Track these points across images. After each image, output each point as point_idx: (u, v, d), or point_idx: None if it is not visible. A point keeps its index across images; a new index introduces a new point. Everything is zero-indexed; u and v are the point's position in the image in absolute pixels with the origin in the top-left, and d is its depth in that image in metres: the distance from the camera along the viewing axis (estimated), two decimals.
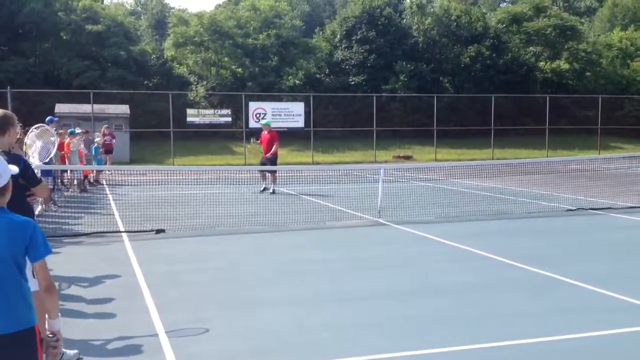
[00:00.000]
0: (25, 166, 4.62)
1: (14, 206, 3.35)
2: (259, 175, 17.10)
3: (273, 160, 17.09)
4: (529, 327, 5.74)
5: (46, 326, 3.16)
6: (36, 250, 3.01)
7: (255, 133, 32.34)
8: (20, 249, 2.99)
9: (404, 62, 40.44)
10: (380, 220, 11.95)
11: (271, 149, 16.96)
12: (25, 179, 4.63)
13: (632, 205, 13.77)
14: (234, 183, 16.41)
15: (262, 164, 17.04)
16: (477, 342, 5.34)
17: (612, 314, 6.18)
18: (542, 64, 45.00)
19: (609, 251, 9.38)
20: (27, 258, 3.06)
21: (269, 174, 16.61)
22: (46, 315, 3.18)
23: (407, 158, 33.70)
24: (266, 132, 17.21)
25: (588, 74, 45.07)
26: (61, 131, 17.36)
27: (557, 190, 16.26)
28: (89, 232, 10.86)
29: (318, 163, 30.01)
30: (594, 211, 13.13)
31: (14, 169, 3.18)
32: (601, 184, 17.80)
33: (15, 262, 2.98)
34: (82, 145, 18.09)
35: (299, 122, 32.93)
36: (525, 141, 36.70)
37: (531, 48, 45.48)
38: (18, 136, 11.20)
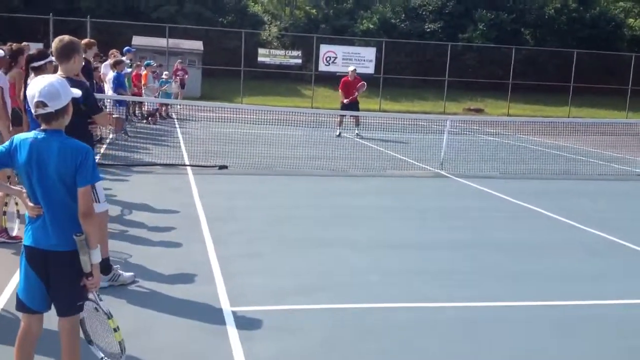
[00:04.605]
0: (87, 93, 4.70)
1: (75, 132, 3.45)
2: (338, 120, 17.35)
3: (358, 105, 17.63)
4: (584, 289, 5.63)
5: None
6: (83, 176, 3.05)
7: (325, 77, 32.31)
8: (69, 171, 3.05)
9: (484, 11, 38.90)
10: (442, 172, 11.81)
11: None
12: (87, 106, 4.75)
13: None
14: (300, 125, 16.44)
15: (347, 109, 17.12)
16: (527, 299, 5.29)
17: None
18: (631, 20, 42.43)
19: None
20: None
21: (350, 119, 17.37)
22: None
23: (478, 111, 32.84)
24: (352, 79, 17.36)
25: None
26: (138, 63, 17.79)
27: (632, 153, 15.58)
28: (157, 162, 11.23)
29: (385, 111, 29.64)
30: None
31: (76, 92, 3.20)
32: None
33: (63, 184, 3.06)
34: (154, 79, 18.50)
35: (369, 68, 32.39)
36: (605, 101, 35.00)
37: (621, 3, 42.90)
38: (95, 65, 11.51)
